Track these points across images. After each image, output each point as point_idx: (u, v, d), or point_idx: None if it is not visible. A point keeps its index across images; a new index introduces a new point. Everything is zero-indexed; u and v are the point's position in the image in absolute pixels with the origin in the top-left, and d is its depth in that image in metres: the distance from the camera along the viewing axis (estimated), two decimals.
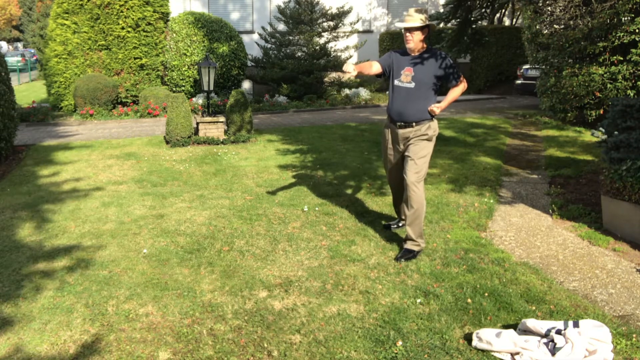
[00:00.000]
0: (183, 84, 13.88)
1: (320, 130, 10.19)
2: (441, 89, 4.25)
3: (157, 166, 7.46)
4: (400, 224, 4.75)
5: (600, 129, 5.28)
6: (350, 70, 4.02)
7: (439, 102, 4.18)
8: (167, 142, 8.94)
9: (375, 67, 4.27)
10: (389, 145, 4.38)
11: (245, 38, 16.01)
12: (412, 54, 4.19)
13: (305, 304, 3.48)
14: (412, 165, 4.11)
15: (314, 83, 14.60)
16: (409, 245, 4.19)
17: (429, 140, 4.16)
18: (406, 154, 4.19)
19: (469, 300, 3.47)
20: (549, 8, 9.20)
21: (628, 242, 4.42)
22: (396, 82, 4.20)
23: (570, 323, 2.98)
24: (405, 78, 4.15)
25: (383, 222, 4.93)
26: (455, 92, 4.21)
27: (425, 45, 4.19)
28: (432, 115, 4.15)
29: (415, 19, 4.06)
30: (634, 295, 3.57)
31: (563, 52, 9.36)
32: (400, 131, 4.21)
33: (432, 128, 4.18)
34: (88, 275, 3.94)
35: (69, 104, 12.93)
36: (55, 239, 4.70)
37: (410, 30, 4.08)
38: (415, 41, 4.12)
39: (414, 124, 4.14)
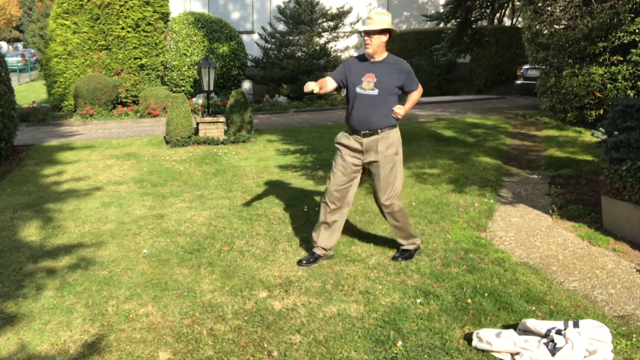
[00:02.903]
0: (183, 84, 13.88)
1: (320, 130, 10.19)
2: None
3: (157, 166, 7.46)
4: (314, 257, 4.16)
5: (600, 129, 5.28)
6: (313, 88, 3.82)
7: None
8: (167, 142, 8.94)
9: (330, 84, 4.02)
10: (345, 159, 4.02)
11: (245, 38, 16.01)
12: (372, 60, 3.97)
13: (305, 304, 3.48)
14: (385, 188, 3.97)
15: None
16: (405, 245, 4.18)
17: (396, 153, 3.99)
18: (379, 172, 3.97)
19: (469, 301, 3.47)
20: (549, 8, 9.21)
21: (628, 242, 4.42)
22: (358, 89, 3.95)
23: (570, 323, 2.98)
24: (368, 85, 3.92)
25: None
26: (415, 97, 4.09)
27: (386, 51, 4.00)
28: (395, 123, 3.99)
29: (375, 22, 3.83)
30: (634, 295, 3.57)
31: (563, 52, 9.36)
32: (365, 140, 3.94)
33: (397, 134, 4.01)
34: (88, 275, 3.94)
35: (69, 104, 12.93)
36: (55, 239, 4.70)
37: (369, 33, 3.86)
38: (374, 45, 3.88)
39: (379, 130, 3.93)
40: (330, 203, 4.05)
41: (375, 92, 3.92)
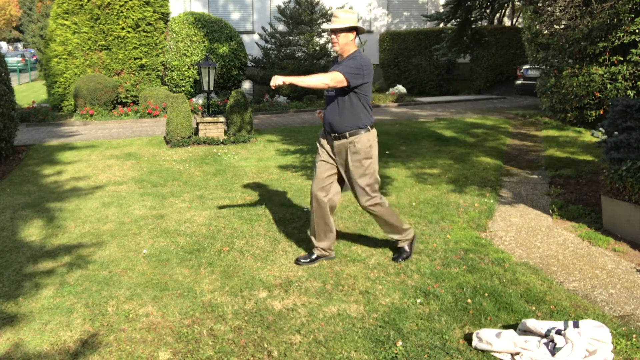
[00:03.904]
0: (183, 84, 13.88)
1: (320, 130, 10.18)
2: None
3: (157, 166, 7.46)
4: (313, 257, 4.11)
5: (600, 129, 5.29)
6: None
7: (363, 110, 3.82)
8: (167, 143, 8.94)
9: None
10: (324, 158, 3.98)
11: (245, 38, 16.02)
12: (340, 59, 3.84)
13: (305, 304, 3.48)
14: (361, 192, 3.86)
15: None
16: (400, 243, 4.14)
17: (367, 157, 3.83)
18: (351, 177, 3.88)
19: (469, 301, 3.47)
20: (549, 8, 9.20)
21: (628, 242, 4.42)
22: (325, 91, 3.89)
23: (571, 323, 2.98)
24: None
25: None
26: (316, 75, 3.72)
27: (354, 49, 3.81)
28: (367, 125, 3.82)
29: (341, 20, 3.70)
30: (634, 295, 3.57)
31: (563, 53, 9.36)
32: (336, 143, 3.86)
33: (368, 138, 3.82)
34: (88, 275, 3.94)
35: (69, 104, 12.93)
36: (55, 239, 4.70)
37: (335, 32, 3.72)
38: (341, 44, 3.75)
39: (347, 134, 3.80)
40: (316, 202, 3.98)
41: (333, 93, 3.83)
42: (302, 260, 4.09)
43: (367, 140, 3.84)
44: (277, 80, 3.55)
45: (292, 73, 14.41)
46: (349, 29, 3.73)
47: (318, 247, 4.10)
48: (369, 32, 18.85)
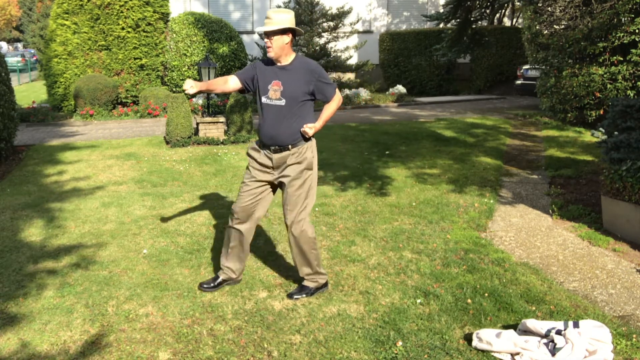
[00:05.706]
0: (183, 84, 13.88)
1: (319, 130, 10.18)
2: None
3: (157, 166, 7.46)
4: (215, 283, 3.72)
5: (600, 129, 5.29)
6: (188, 87, 3.36)
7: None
8: (167, 143, 8.94)
9: (232, 82, 3.58)
10: (254, 173, 3.58)
11: (245, 38, 16.02)
12: (278, 64, 3.50)
13: (305, 304, 3.48)
14: (292, 206, 3.48)
15: None
16: (306, 281, 3.63)
17: (309, 168, 3.52)
18: (287, 189, 3.51)
19: (469, 301, 3.47)
20: (549, 8, 9.20)
21: (628, 242, 4.42)
22: (264, 99, 3.50)
23: (571, 323, 2.98)
24: (274, 94, 3.46)
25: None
26: (331, 108, 3.57)
27: (293, 53, 3.52)
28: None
29: (274, 22, 3.37)
30: (634, 295, 3.57)
31: (563, 53, 9.37)
32: (276, 156, 3.50)
33: (311, 149, 3.56)
34: (88, 275, 3.94)
35: (69, 105, 12.93)
36: (55, 239, 4.70)
37: (268, 35, 3.38)
38: (275, 48, 3.40)
39: (290, 146, 3.48)
40: (235, 220, 3.62)
41: (282, 102, 3.46)
42: (204, 286, 3.69)
43: (312, 153, 3.57)
44: (308, 132, 3.47)
45: None
46: (282, 31, 3.40)
47: (227, 266, 3.70)
48: (369, 32, 18.84)
